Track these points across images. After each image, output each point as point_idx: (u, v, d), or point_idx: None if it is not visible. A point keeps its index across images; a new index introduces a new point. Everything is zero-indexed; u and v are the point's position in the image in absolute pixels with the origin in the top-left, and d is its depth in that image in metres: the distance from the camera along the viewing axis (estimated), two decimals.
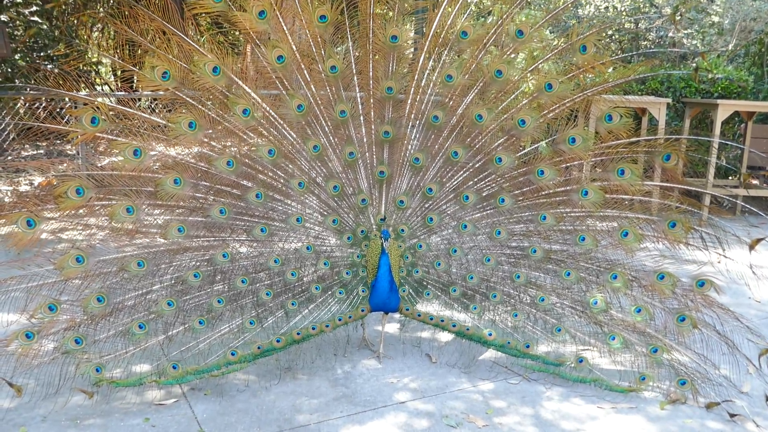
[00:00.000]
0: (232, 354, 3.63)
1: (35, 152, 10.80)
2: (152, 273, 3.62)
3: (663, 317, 3.72)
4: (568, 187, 3.80)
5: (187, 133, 3.54)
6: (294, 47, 3.64)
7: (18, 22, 12.38)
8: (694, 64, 11.27)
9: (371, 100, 3.81)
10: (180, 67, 3.49)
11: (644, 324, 3.74)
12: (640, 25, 12.91)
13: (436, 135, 3.88)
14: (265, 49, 3.62)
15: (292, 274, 3.83)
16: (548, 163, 3.79)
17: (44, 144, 11.07)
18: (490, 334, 3.90)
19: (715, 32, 13.13)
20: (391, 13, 3.64)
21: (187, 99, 3.55)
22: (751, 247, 3.59)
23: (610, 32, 12.93)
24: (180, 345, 3.63)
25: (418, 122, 3.86)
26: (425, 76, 3.80)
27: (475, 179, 3.93)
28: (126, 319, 3.52)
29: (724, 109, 8.06)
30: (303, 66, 3.69)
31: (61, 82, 3.47)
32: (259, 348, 3.70)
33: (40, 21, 12.28)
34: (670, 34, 12.43)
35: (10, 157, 10.04)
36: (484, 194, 3.92)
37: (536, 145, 3.83)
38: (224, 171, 3.66)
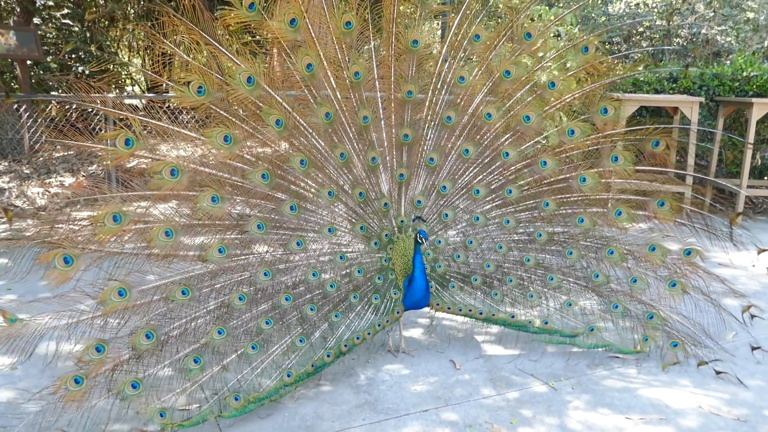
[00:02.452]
0: (288, 375, 3.68)
1: (67, 153, 10.17)
2: (197, 299, 3.55)
3: (655, 285, 4.34)
4: (568, 175, 4.28)
5: (222, 147, 3.52)
6: (322, 54, 3.75)
7: (50, 24, 13.22)
8: (728, 62, 11.49)
9: (392, 105, 4.02)
10: (215, 80, 3.46)
11: (640, 292, 4.34)
12: (672, 22, 13.15)
13: (448, 134, 4.20)
14: (295, 57, 3.69)
15: (331, 286, 3.95)
16: (550, 154, 4.25)
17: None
18: (513, 317, 4.32)
19: (750, 29, 13.00)
20: (414, 16, 3.87)
21: (221, 113, 3.53)
22: (732, 222, 4.29)
23: (641, 29, 13.09)
24: (236, 373, 3.60)
25: (433, 123, 4.14)
26: (441, 78, 4.09)
27: (485, 174, 4.29)
28: (177, 352, 3.44)
29: (760, 107, 7.91)
30: (330, 73, 3.81)
31: (92, 84, 3.31)
32: (312, 366, 3.79)
33: (71, 24, 13.16)
34: (703, 31, 12.61)
35: (41, 158, 9.64)
36: (492, 187, 4.30)
37: (543, 136, 4.25)
38: (259, 184, 3.68)
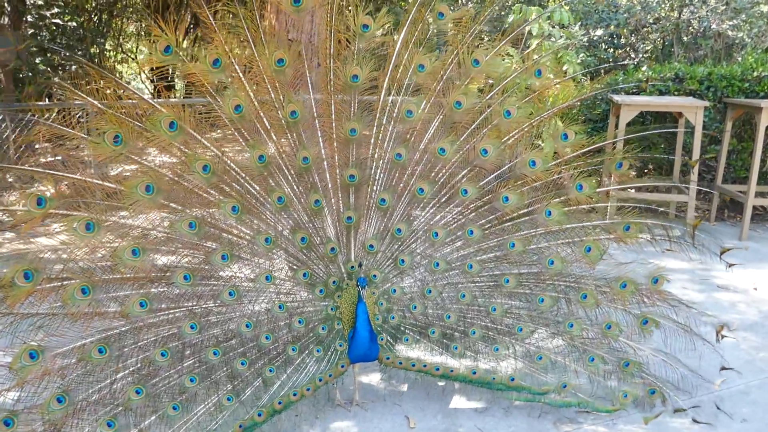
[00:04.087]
0: None
1: (53, 159, 10.11)
2: (116, 358, 3.43)
3: (629, 324, 4.13)
4: (532, 208, 4.07)
5: (144, 198, 3.39)
6: (252, 95, 3.62)
7: (42, 25, 13.52)
8: (740, 58, 11.11)
9: (334, 144, 3.86)
10: (133, 128, 3.35)
11: (615, 338, 4.10)
12: (682, 15, 12.81)
13: (400, 173, 4.01)
14: (221, 100, 3.56)
15: (267, 338, 3.80)
16: (511, 188, 4.04)
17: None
18: (474, 373, 4.09)
19: (764, 23, 12.54)
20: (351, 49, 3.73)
21: (142, 162, 3.42)
22: (694, 228, 4.10)
23: (651, 20, 12.70)
24: None
25: (381, 162, 3.96)
26: (386, 113, 3.92)
27: (443, 213, 4.10)
28: (91, 418, 3.31)
29: None
30: (262, 114, 3.68)
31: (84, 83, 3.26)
32: (240, 426, 3.65)
33: (61, 23, 13.56)
34: (713, 26, 12.23)
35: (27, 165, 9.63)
36: (452, 228, 4.10)
37: (506, 167, 4.06)
38: (186, 234, 3.55)
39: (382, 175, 4.01)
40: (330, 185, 3.94)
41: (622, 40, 13.02)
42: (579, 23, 11.78)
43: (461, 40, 3.89)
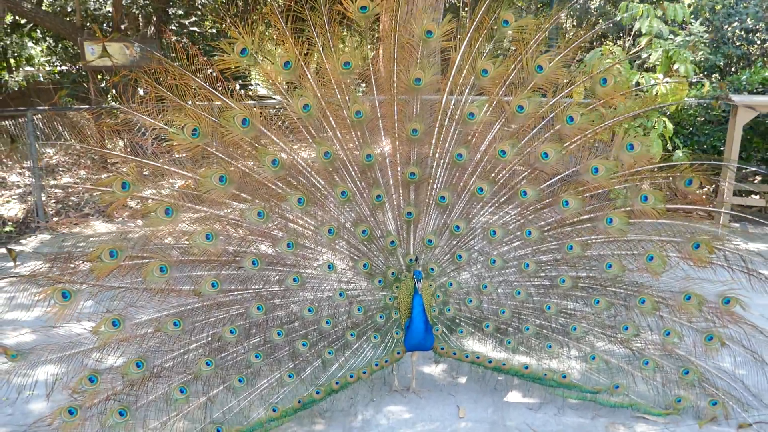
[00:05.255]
0: (273, 410, 3.87)
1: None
2: (188, 332, 3.82)
3: (691, 337, 4.11)
4: (593, 215, 4.15)
5: (217, 187, 3.77)
6: (319, 95, 3.92)
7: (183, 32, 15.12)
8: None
9: (397, 143, 4.10)
10: (209, 122, 3.72)
11: (674, 345, 4.12)
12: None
13: (460, 172, 4.21)
14: (291, 98, 3.88)
15: (327, 322, 4.09)
16: (572, 193, 4.14)
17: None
18: (526, 368, 4.24)
19: None
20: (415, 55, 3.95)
21: (217, 154, 3.79)
22: None
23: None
24: (221, 405, 3.84)
25: (442, 161, 4.17)
26: (448, 115, 4.12)
27: (501, 213, 4.26)
28: (166, 383, 3.71)
29: None
30: (329, 113, 3.97)
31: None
32: (300, 402, 3.96)
33: (198, 30, 15.37)
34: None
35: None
36: (510, 228, 4.25)
37: (566, 173, 4.15)
38: (255, 222, 3.90)
39: (442, 174, 4.22)
40: (392, 182, 4.19)
41: (757, 36, 12.29)
42: (699, 19, 11.27)
43: (525, 47, 4.03)
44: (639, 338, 4.17)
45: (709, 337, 4.06)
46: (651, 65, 7.94)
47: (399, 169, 4.16)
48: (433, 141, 4.15)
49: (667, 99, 7.44)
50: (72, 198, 10.04)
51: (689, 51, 8.58)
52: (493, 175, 4.21)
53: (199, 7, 15.93)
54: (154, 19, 14.80)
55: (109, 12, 15.25)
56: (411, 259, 4.27)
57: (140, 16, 15.64)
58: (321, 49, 3.87)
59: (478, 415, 4.25)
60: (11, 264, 6.49)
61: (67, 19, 14.60)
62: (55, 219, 8.31)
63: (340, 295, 4.16)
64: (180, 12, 15.66)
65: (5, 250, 6.20)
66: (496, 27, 4.02)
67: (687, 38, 9.18)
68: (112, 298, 3.71)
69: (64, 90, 12.58)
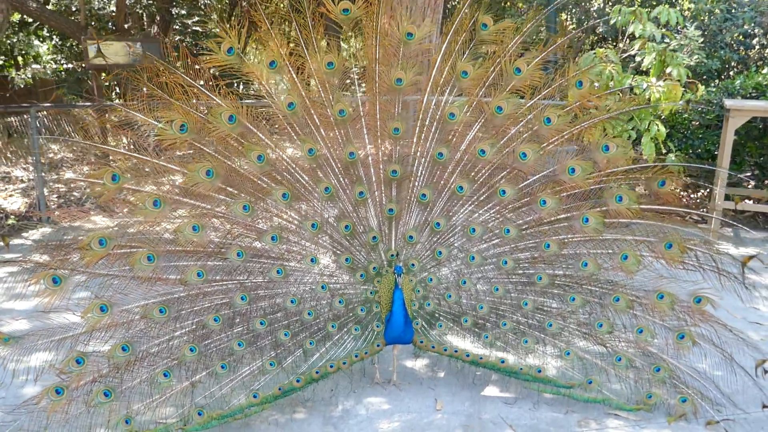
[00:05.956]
0: (254, 396, 4.04)
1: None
2: (174, 319, 3.99)
3: (663, 335, 4.24)
4: (569, 214, 4.29)
5: (204, 181, 3.94)
6: (304, 94, 4.09)
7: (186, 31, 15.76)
8: None
9: (379, 141, 4.27)
10: (197, 119, 3.90)
11: (646, 343, 4.25)
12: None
13: (441, 171, 4.36)
14: (276, 97, 4.06)
15: (309, 314, 4.25)
16: (550, 193, 4.28)
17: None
18: (503, 362, 4.38)
19: None
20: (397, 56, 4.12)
21: (205, 149, 3.97)
22: (744, 264, 4.12)
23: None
24: (204, 390, 4.00)
25: (423, 159, 4.33)
26: (429, 115, 4.28)
27: (481, 211, 4.40)
28: (150, 367, 3.88)
29: None
30: (313, 111, 4.14)
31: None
32: (280, 389, 4.11)
33: (201, 30, 15.97)
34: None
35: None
36: (489, 225, 4.40)
37: (542, 174, 4.29)
38: (240, 215, 4.07)
39: (423, 172, 4.37)
40: (374, 179, 4.35)
41: (755, 41, 12.33)
42: (695, 23, 11.37)
43: (503, 50, 4.18)
44: (613, 335, 4.30)
45: (680, 336, 4.18)
46: (645, 68, 8.04)
47: (381, 166, 4.32)
48: (414, 140, 4.31)
49: (660, 102, 7.60)
50: (74, 193, 10.32)
51: (684, 54, 8.68)
52: (473, 173, 4.36)
53: (202, 7, 16.29)
54: (158, 18, 15.10)
55: (112, 11, 15.62)
56: (392, 255, 4.42)
57: (144, 15, 16.00)
58: (305, 48, 4.04)
59: (455, 407, 4.38)
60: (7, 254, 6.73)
61: (72, 18, 14.94)
62: (56, 212, 8.55)
63: (323, 287, 4.32)
64: (183, 12, 15.97)
65: None
66: (474, 30, 4.18)
67: (682, 42, 9.29)
68: (101, 285, 3.89)
69: (62, 89, 12.85)
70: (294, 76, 4.07)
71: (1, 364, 3.79)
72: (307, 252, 4.33)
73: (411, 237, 4.42)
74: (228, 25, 3.88)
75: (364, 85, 4.30)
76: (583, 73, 4.20)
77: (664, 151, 8.32)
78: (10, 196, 10.32)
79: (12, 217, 9.17)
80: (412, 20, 4.09)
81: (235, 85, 4.25)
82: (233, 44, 3.92)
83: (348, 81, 4.26)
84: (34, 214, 9.17)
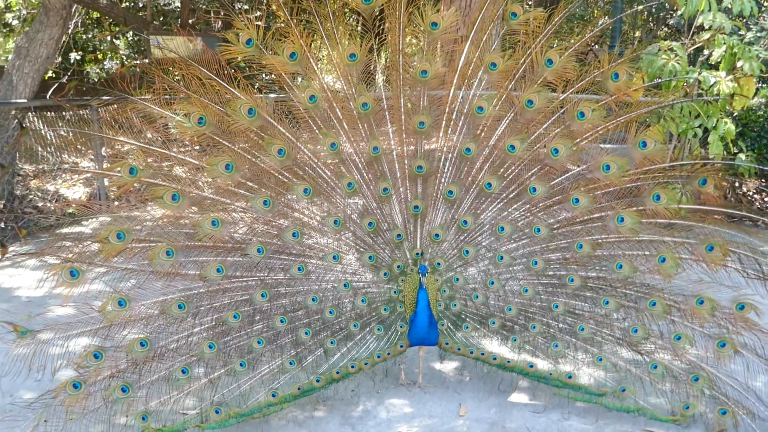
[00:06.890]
0: (273, 395, 3.97)
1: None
2: (193, 315, 3.96)
3: (703, 343, 4.01)
4: (603, 214, 4.09)
5: (223, 175, 3.90)
6: (325, 86, 4.00)
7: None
8: None
9: (403, 135, 4.15)
10: (215, 111, 3.86)
11: (684, 351, 4.03)
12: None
13: (469, 167, 4.21)
14: (297, 90, 3.98)
15: (331, 312, 4.17)
16: (583, 191, 4.09)
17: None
18: (531, 366, 4.21)
19: None
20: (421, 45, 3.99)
21: (223, 142, 3.92)
22: None
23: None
24: (222, 388, 3.95)
25: (450, 155, 4.19)
26: (456, 108, 4.14)
27: (510, 209, 4.24)
28: (168, 363, 3.86)
29: None
30: (335, 104, 4.05)
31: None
32: (299, 389, 4.04)
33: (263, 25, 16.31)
34: None
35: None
36: (519, 224, 4.23)
37: (573, 171, 4.11)
38: (261, 210, 4.01)
39: (450, 168, 4.24)
40: (399, 174, 4.23)
41: None
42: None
43: (534, 40, 4.00)
44: (648, 342, 4.09)
45: (721, 344, 3.95)
46: (714, 62, 7.62)
47: (406, 162, 4.20)
48: (441, 134, 4.18)
49: (731, 98, 7.21)
50: (135, 185, 10.48)
51: (761, 47, 8.17)
52: (502, 170, 4.21)
53: (264, 1, 16.53)
54: (222, 13, 15.29)
55: (177, 7, 15.89)
56: (417, 253, 4.30)
57: (211, 12, 16.27)
58: (326, 39, 3.95)
59: (479, 414, 4.23)
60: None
61: (140, 14, 15.28)
62: (116, 203, 8.70)
63: (345, 286, 4.23)
64: (246, 7, 16.19)
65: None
66: (504, 19, 4.02)
67: (759, 34, 8.81)
68: (120, 279, 3.89)
69: (73, 82, 13.18)
70: (315, 67, 3.98)
71: (44, 350, 3.77)
72: (330, 249, 4.24)
73: (437, 235, 4.29)
74: (247, 17, 3.81)
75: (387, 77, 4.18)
76: (619, 65, 3.99)
77: (735, 150, 7.90)
78: (74, 185, 10.59)
79: (73, 206, 9.37)
80: (436, 9, 3.95)
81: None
82: (252, 35, 3.85)
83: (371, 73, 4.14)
84: (86, 204, 9.34)
